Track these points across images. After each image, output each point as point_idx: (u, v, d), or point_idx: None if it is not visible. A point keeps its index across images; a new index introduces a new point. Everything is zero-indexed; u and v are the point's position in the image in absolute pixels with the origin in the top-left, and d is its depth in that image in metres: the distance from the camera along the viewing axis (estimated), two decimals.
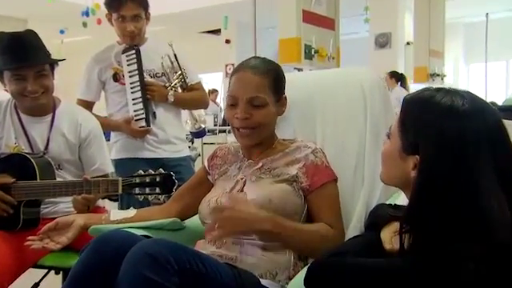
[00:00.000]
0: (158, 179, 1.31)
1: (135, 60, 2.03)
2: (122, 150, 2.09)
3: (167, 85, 2.08)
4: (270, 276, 1.10)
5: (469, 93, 0.85)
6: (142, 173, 1.33)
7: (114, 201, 1.96)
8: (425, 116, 0.83)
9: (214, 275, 0.97)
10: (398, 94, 5.15)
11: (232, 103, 1.19)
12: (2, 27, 1.77)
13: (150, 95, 2.03)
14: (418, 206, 0.81)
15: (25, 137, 1.61)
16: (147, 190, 1.32)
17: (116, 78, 2.07)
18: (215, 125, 5.81)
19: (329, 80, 1.45)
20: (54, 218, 1.31)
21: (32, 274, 1.56)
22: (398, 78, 5.91)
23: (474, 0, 7.43)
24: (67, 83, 2.77)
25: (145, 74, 2.04)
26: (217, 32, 8.29)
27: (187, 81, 2.12)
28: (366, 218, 1.18)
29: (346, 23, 5.05)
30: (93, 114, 1.92)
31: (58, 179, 1.55)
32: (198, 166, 2.17)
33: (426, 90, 0.88)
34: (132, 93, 2.03)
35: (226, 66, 7.64)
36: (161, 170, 1.34)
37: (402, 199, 1.04)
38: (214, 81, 9.31)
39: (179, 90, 2.12)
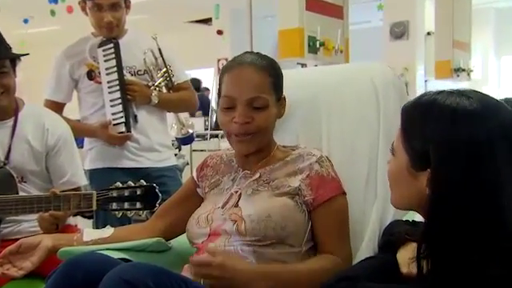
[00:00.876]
0: (139, 192, 1.31)
1: (113, 55, 2.03)
2: (97, 159, 2.10)
3: (150, 84, 2.09)
4: None
5: (475, 91, 0.86)
6: (121, 185, 1.34)
7: (88, 218, 1.96)
8: (430, 122, 0.84)
9: None
10: None
11: (228, 106, 1.19)
12: None
13: (130, 96, 2.04)
14: (435, 224, 0.82)
15: None
16: (126, 205, 1.32)
17: (91, 75, 2.08)
18: (206, 129, 5.81)
19: (336, 77, 1.46)
20: (17, 240, 1.30)
21: None
22: None
23: None
24: (32, 82, 2.78)
25: (124, 72, 2.05)
26: (207, 21, 8.31)
27: (173, 79, 2.13)
28: (379, 237, 1.19)
29: (357, 11, 5.08)
30: (63, 117, 1.92)
31: (20, 194, 1.54)
32: (185, 177, 2.17)
33: (424, 95, 0.89)
34: (109, 93, 2.04)
35: (219, 60, 7.65)
36: (142, 181, 1.35)
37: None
38: (205, 78, 9.31)
39: (164, 90, 2.12)
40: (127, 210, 1.33)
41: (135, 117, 2.06)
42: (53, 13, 5.65)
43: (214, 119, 6.22)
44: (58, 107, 2.07)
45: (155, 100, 2.07)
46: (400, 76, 5.36)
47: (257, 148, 1.23)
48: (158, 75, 2.10)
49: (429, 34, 6.85)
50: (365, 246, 1.23)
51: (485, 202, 0.79)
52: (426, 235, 0.83)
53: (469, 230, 0.79)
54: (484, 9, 8.16)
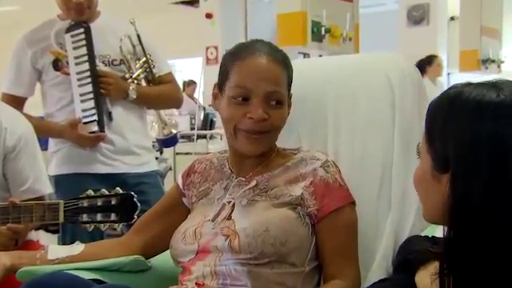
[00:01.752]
0: (113, 202, 1.32)
1: (84, 42, 2.04)
2: (64, 163, 2.10)
3: (127, 76, 2.09)
4: None
5: (509, 81, 0.87)
6: (93, 193, 1.34)
7: (54, 232, 1.96)
8: (451, 120, 0.85)
9: None
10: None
11: (243, 97, 1.19)
12: None
13: (104, 89, 2.04)
14: (455, 235, 0.83)
15: None
16: (99, 217, 1.33)
17: (57, 65, 2.08)
18: (192, 128, 5.81)
19: (344, 69, 1.47)
20: None
21: None
22: (419, 65, 5.91)
23: None
24: None
25: (97, 61, 2.05)
26: (194, 3, 8.32)
27: (154, 71, 2.13)
28: (394, 255, 1.19)
29: None
30: (24, 114, 1.92)
31: None
32: (168, 185, 2.18)
33: (451, 88, 0.90)
34: (79, 86, 2.04)
35: (207, 49, 7.64)
36: (118, 189, 1.35)
37: (442, 229, 1.05)
38: (191, 69, 9.31)
39: (143, 84, 2.13)
40: (100, 222, 1.33)
41: (109, 114, 2.06)
42: None
43: (202, 118, 6.23)
44: (17, 102, 2.06)
45: (133, 94, 2.07)
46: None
47: (266, 149, 1.24)
48: (137, 66, 2.11)
49: (452, 18, 6.88)
50: (377, 267, 1.23)
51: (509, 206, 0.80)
52: (446, 248, 0.84)
53: (493, 240, 0.80)
54: None
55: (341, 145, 1.38)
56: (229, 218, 1.21)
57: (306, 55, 3.97)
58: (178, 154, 4.81)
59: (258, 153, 1.24)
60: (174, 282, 1.23)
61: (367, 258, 1.24)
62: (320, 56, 3.76)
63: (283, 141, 1.35)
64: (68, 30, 2.06)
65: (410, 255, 1.05)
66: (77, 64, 2.04)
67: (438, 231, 1.08)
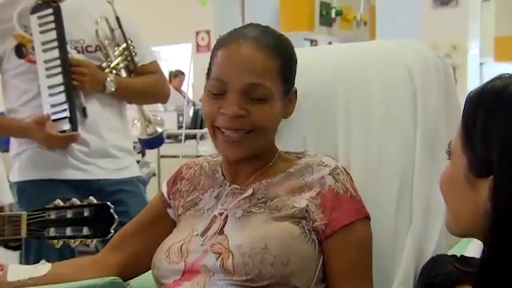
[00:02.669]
0: (86, 213, 1.31)
1: (53, 24, 2.04)
2: (29, 168, 2.09)
3: (105, 65, 2.10)
4: None
5: None
6: (62, 203, 1.33)
7: (14, 249, 1.95)
8: (496, 115, 0.85)
9: None
10: None
11: (217, 91, 1.20)
12: None
13: (77, 81, 2.04)
14: (495, 253, 0.83)
15: None
16: (69, 232, 1.32)
17: (21, 51, 2.08)
18: (180, 127, 5.82)
19: (358, 59, 1.47)
20: None
21: None
22: None
23: None
24: None
25: (69, 48, 2.06)
26: None
27: (136, 59, 2.14)
28: (416, 278, 1.20)
29: None
30: None
31: None
32: (151, 193, 2.18)
33: (496, 79, 0.90)
34: (48, 76, 2.04)
35: (198, 34, 7.67)
36: (92, 198, 1.35)
37: (475, 246, 1.05)
38: (179, 57, 9.32)
39: (124, 74, 2.13)
40: (70, 237, 1.33)
41: (83, 110, 2.06)
42: None
43: (191, 114, 6.24)
44: None
45: (111, 87, 2.08)
46: (445, 57, 5.38)
47: (249, 153, 1.23)
48: (116, 53, 2.11)
49: None
50: None
51: None
52: (483, 269, 0.84)
53: None
54: None
55: (353, 148, 1.38)
56: (221, 232, 1.20)
57: (313, 42, 3.98)
58: (162, 156, 4.81)
59: (240, 156, 1.23)
60: None
61: (383, 281, 1.24)
62: (329, 43, 3.77)
63: (286, 143, 1.35)
64: (34, 11, 2.06)
65: (436, 278, 1.05)
66: (44, 50, 2.04)
67: (470, 249, 1.09)
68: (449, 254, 1.17)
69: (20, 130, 2.08)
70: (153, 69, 2.21)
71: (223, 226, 1.22)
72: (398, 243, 1.29)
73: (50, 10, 2.04)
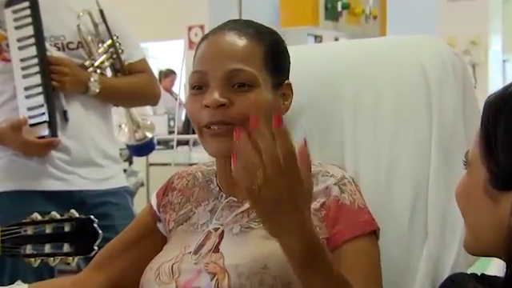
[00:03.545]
0: (67, 228, 1.31)
1: (30, 19, 2.04)
2: (3, 178, 2.10)
3: (88, 63, 2.10)
4: None
5: None
6: (40, 217, 1.33)
7: None
8: None
9: None
10: None
11: (197, 84, 1.21)
12: None
13: (56, 81, 2.04)
14: None
15: None
16: (48, 249, 1.32)
17: None
18: (171, 132, 5.82)
19: (367, 57, 1.47)
20: None
21: None
22: None
23: None
24: None
25: (48, 45, 2.06)
26: None
27: (123, 57, 2.14)
28: None
29: None
30: None
31: None
32: (139, 206, 2.17)
33: None
34: (24, 77, 2.04)
35: (190, 29, 7.69)
36: (73, 211, 1.34)
37: (497, 264, 1.05)
38: (169, 55, 9.32)
39: (109, 74, 2.14)
40: (49, 255, 1.33)
41: (64, 113, 2.07)
42: None
43: (183, 118, 6.24)
44: None
45: (95, 88, 2.08)
46: (463, 54, 5.39)
47: None
48: (100, 50, 2.12)
49: None
50: None
51: None
52: None
53: None
54: None
55: (361, 155, 1.38)
56: (216, 250, 1.20)
57: (317, 38, 3.99)
58: (151, 164, 4.81)
59: (227, 152, 1.20)
60: None
61: None
62: (336, 39, 3.77)
63: None
64: (8, 4, 2.06)
65: None
66: (21, 48, 2.04)
67: (491, 267, 1.09)
68: (468, 272, 1.17)
69: None
70: (141, 68, 2.21)
71: (219, 243, 1.21)
72: (411, 260, 1.29)
73: (27, 3, 2.04)
